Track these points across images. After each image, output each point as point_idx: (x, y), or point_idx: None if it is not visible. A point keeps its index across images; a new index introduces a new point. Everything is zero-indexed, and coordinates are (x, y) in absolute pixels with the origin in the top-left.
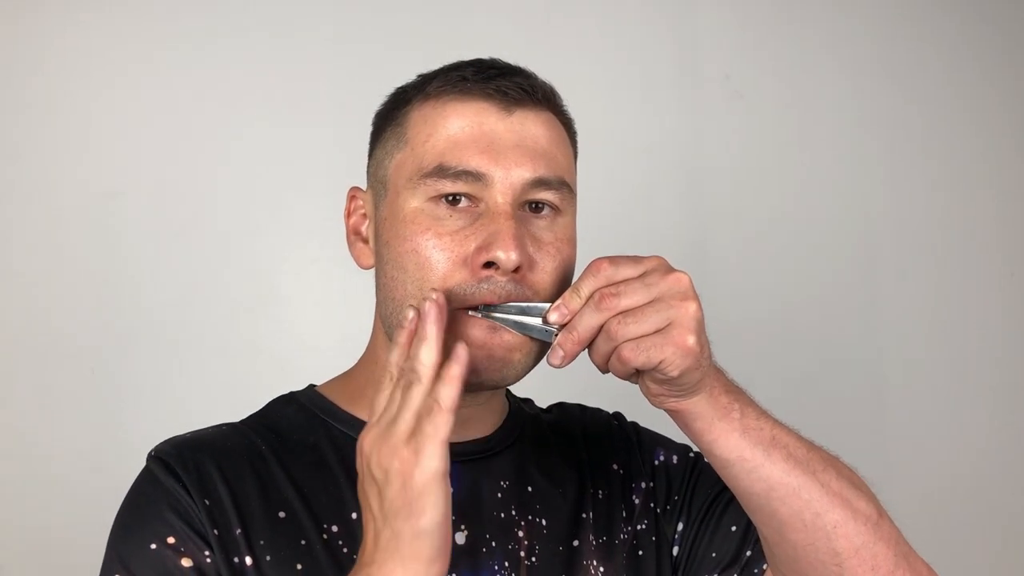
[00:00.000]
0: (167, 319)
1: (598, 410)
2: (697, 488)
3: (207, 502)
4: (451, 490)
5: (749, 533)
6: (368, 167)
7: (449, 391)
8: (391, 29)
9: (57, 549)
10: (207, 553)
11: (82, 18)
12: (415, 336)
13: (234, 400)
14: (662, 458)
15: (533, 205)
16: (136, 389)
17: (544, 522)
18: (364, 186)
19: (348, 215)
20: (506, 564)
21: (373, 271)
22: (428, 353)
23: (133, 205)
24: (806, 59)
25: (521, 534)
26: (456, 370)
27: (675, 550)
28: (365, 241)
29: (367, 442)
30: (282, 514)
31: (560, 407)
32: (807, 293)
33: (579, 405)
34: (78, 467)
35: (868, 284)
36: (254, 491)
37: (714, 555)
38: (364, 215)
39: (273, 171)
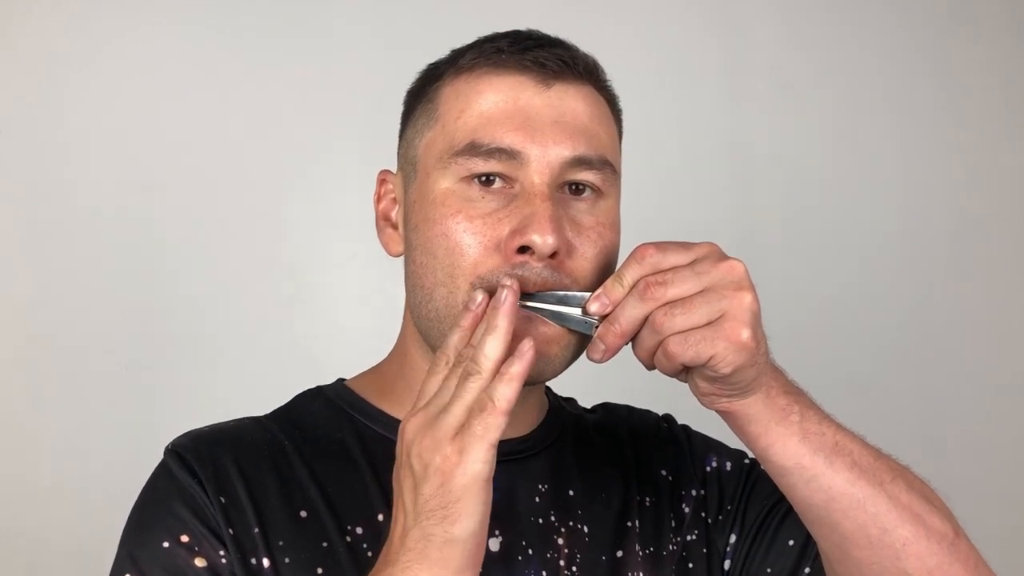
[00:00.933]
0: (201, 314)
1: (646, 412)
2: (752, 498)
3: (223, 499)
4: (492, 497)
5: (808, 548)
6: (398, 148)
7: (507, 390)
8: (425, 11)
9: (90, 547)
10: (222, 553)
11: (119, 14)
12: (484, 324)
13: (268, 395)
14: (714, 464)
15: (573, 186)
16: (170, 385)
17: (586, 529)
18: (395, 169)
19: (377, 200)
20: (543, 573)
21: (403, 259)
22: (494, 346)
23: (167, 201)
24: (856, 49)
25: (561, 541)
26: (519, 368)
27: (727, 564)
28: (395, 227)
29: (410, 428)
30: (303, 513)
31: (605, 408)
32: (858, 290)
33: (626, 406)
34: (111, 464)
35: (923, 282)
36: (274, 489)
37: (769, 571)
38: (394, 199)
39: (309, 164)
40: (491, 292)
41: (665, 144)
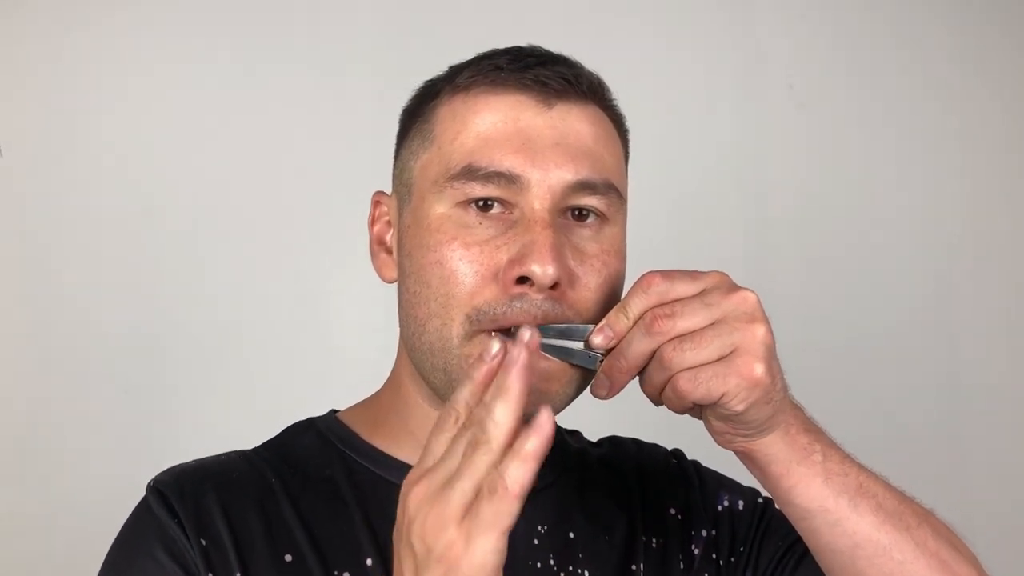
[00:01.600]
0: (206, 335)
1: (655, 446)
2: (766, 538)
3: (203, 541)
4: None
5: None
6: (393, 169)
7: (521, 473)
8: (435, 26)
9: (90, 571)
10: None
11: (126, 32)
12: (495, 383)
13: (273, 420)
14: (726, 503)
15: (576, 212)
16: (171, 410)
17: (587, 574)
18: (390, 190)
19: (372, 223)
20: None
21: (396, 286)
22: (505, 413)
23: (172, 218)
24: (872, 67)
25: None
26: (534, 445)
27: None
28: (389, 252)
29: (413, 498)
30: (288, 557)
31: (612, 441)
32: (876, 316)
33: (634, 440)
34: (112, 488)
35: (943, 306)
36: (259, 530)
37: None
38: (388, 223)
39: (317, 182)
40: (484, 330)
41: (677, 164)
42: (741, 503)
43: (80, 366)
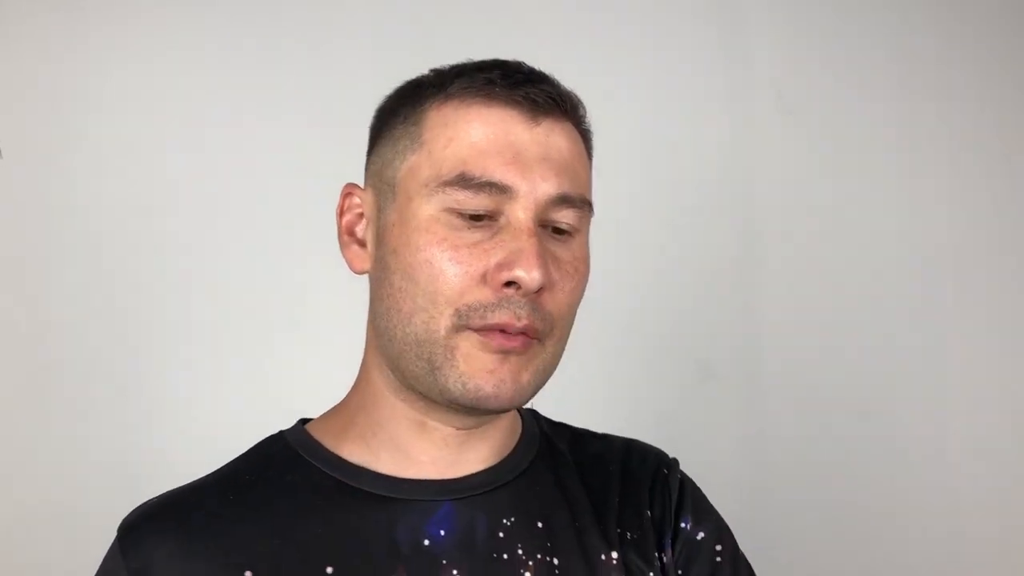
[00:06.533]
0: (201, 340)
1: (653, 451)
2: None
3: None
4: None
5: None
6: (369, 164)
7: None
8: (429, 34)
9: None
10: None
11: (123, 44)
12: None
13: (270, 422)
14: (684, 525)
15: (552, 228)
16: (170, 410)
17: (556, 561)
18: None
19: (341, 213)
20: None
21: (366, 277)
22: None
23: (168, 224)
24: (861, 77)
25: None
26: None
27: None
28: (361, 243)
29: None
30: (248, 574)
31: (599, 437)
32: (865, 320)
33: (629, 440)
34: (110, 491)
35: (933, 313)
36: (217, 562)
37: None
38: (360, 215)
39: (314, 186)
40: (471, 327)
41: (665, 173)
42: (701, 534)
43: (79, 367)
